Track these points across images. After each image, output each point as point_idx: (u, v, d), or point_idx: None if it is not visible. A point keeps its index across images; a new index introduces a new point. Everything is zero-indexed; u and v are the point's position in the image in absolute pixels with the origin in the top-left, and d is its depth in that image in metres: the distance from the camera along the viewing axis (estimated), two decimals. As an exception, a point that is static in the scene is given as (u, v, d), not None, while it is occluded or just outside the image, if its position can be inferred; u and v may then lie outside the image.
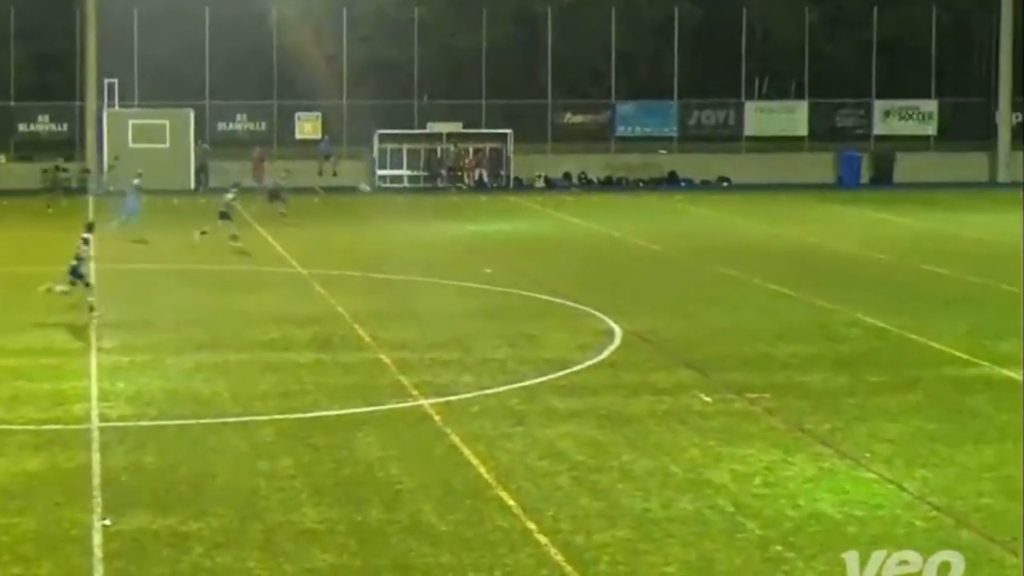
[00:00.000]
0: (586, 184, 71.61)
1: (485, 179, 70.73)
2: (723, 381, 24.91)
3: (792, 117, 76.82)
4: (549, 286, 35.80)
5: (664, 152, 74.66)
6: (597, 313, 31.62)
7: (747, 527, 16.87)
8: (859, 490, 18.35)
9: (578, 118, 76.05)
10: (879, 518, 17.20)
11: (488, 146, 71.38)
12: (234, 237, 43.35)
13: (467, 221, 53.70)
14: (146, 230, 45.13)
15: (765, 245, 46.35)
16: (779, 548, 16.13)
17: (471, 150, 71.28)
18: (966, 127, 77.24)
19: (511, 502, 17.82)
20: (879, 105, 76.68)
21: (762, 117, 76.96)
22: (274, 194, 52.84)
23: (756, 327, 30.38)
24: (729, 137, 76.09)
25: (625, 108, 75.85)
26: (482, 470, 19.30)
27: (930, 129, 76.83)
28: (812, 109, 76.53)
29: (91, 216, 45.43)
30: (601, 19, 76.26)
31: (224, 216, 44.31)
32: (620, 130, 75.15)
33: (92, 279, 31.92)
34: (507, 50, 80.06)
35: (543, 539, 16.44)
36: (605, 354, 27.38)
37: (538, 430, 21.48)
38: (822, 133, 75.94)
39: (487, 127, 72.14)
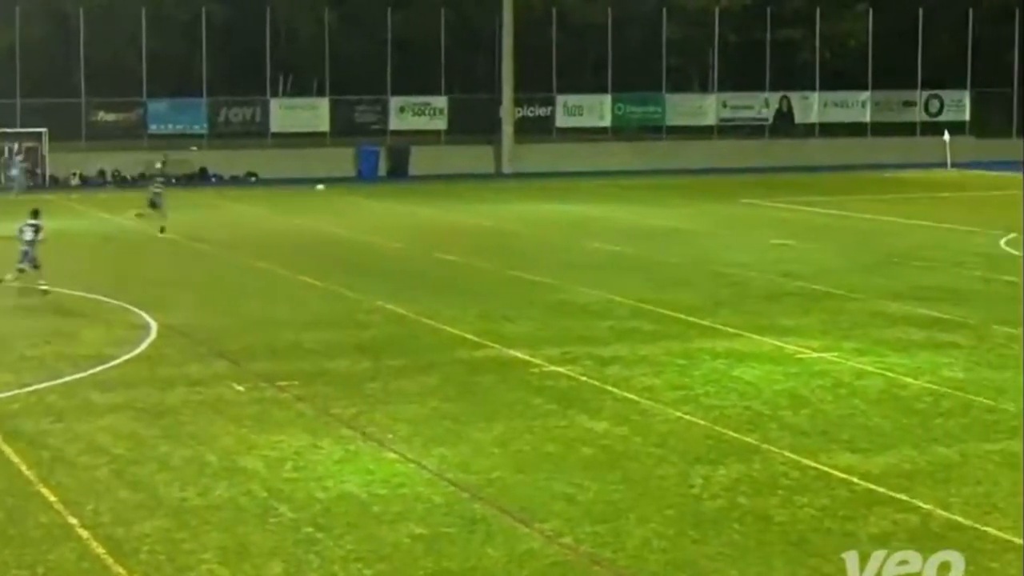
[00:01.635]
0: (121, 181, 70.23)
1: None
2: (255, 370, 24.85)
3: (315, 114, 77.28)
4: (85, 283, 34.95)
5: (195, 149, 73.98)
6: (133, 308, 31.05)
7: (279, 511, 16.88)
8: (383, 470, 18.56)
9: (111, 116, 74.49)
10: (401, 496, 17.44)
11: (24, 144, 69.16)
12: (162, 229, 45.82)
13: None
14: None
15: (292, 237, 46.46)
16: (310, 529, 16.21)
17: (6, 149, 68.93)
18: (473, 122, 79.08)
19: (52, 498, 17.35)
20: (394, 102, 77.85)
21: (287, 114, 77.21)
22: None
23: (285, 317, 30.44)
24: (256, 133, 75.98)
25: (157, 106, 74.75)
26: (23, 467, 18.72)
27: (441, 124, 78.51)
28: (333, 106, 77.12)
29: None
30: (132, 19, 74.86)
31: (153, 205, 47.33)
32: (153, 127, 74.07)
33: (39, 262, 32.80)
34: (41, 48, 77.76)
35: (85, 533, 16.09)
36: (142, 348, 26.92)
37: (77, 425, 20.97)
38: (343, 128, 76.63)
39: (22, 126, 69.91)
